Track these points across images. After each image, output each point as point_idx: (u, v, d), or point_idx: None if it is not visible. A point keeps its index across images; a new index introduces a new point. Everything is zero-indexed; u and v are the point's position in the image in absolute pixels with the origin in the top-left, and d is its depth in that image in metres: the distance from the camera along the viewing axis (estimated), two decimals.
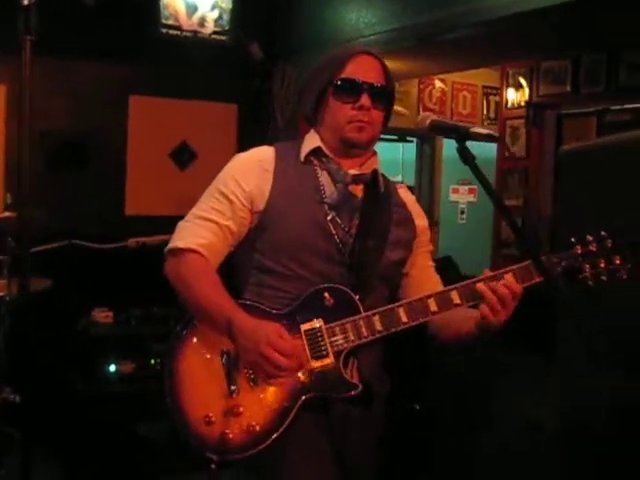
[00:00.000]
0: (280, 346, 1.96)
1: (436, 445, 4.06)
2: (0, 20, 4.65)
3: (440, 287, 2.26)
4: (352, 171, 2.23)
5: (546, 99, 6.65)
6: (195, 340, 2.14)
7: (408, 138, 8.83)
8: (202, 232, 2.16)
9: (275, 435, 2.03)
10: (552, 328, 2.99)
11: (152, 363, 4.74)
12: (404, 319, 2.08)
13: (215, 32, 5.28)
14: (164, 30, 5.16)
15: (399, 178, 9.17)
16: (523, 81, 6.82)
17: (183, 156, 5.40)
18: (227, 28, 5.31)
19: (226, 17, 5.30)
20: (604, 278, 2.10)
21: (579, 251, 2.11)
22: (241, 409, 2.04)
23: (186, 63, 5.23)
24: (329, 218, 2.15)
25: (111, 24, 4.94)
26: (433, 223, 8.46)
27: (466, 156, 2.07)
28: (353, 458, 2.18)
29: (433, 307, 2.08)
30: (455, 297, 2.09)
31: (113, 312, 4.87)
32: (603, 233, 2.11)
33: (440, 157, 8.57)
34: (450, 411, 4.07)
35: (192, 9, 5.21)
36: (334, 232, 2.15)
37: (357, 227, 2.19)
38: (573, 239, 2.12)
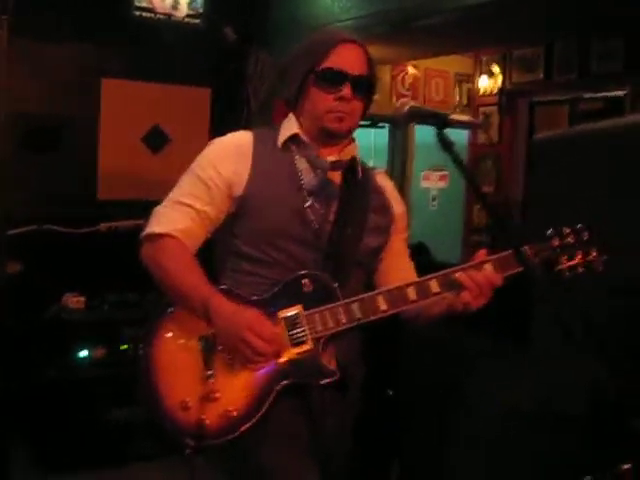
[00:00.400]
0: (260, 331, 1.98)
1: (408, 431, 4.08)
2: None
3: (413, 274, 2.31)
4: (330, 158, 2.22)
5: (519, 86, 6.69)
6: (172, 325, 2.13)
7: (380, 124, 8.82)
8: (179, 217, 2.15)
9: (252, 421, 2.03)
10: (526, 313, 3.01)
11: (124, 348, 4.70)
12: (383, 307, 2.10)
13: (188, 15, 5.24)
14: (137, 13, 5.11)
15: (371, 164, 9.16)
16: (496, 68, 6.85)
17: (156, 140, 5.35)
18: (201, 11, 5.26)
19: (200, 0, 5.25)
20: (581, 270, 2.12)
21: (556, 243, 2.12)
22: (218, 394, 2.03)
23: (159, 46, 5.17)
24: (307, 205, 2.15)
25: (84, 6, 4.88)
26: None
27: (445, 143, 2.08)
28: (329, 444, 2.17)
29: (412, 296, 2.10)
30: (434, 286, 2.11)
31: (85, 297, 4.82)
32: (580, 225, 2.12)
33: (412, 143, 8.57)
34: (423, 397, 4.09)
35: None
36: (312, 219, 2.15)
37: (335, 214, 2.19)
38: (550, 231, 2.13)
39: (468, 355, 3.84)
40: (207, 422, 2.02)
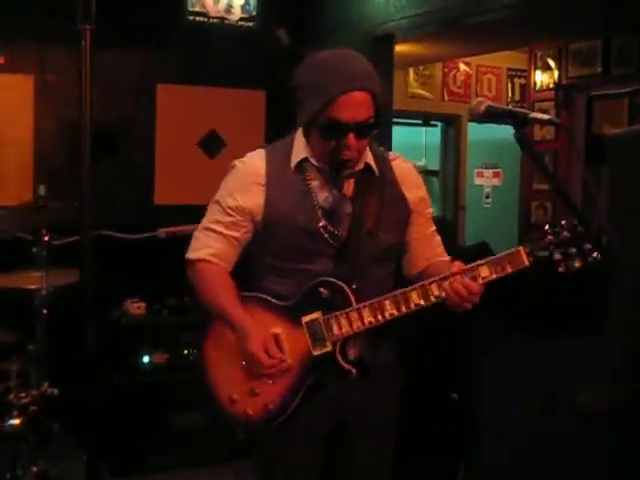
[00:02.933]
0: (260, 359, 2.24)
1: (474, 434, 4.03)
2: (28, 10, 4.74)
3: (440, 248, 2.52)
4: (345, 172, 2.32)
5: (576, 81, 6.57)
6: (217, 332, 2.38)
7: (432, 122, 8.77)
8: (210, 242, 2.38)
9: (286, 414, 2.31)
10: (600, 312, 2.95)
11: (185, 353, 4.71)
12: (390, 311, 2.26)
13: (242, 19, 5.24)
14: (191, 17, 5.14)
15: (422, 163, 9.11)
16: (552, 63, 6.74)
17: (212, 144, 5.35)
18: (254, 14, 5.26)
19: (253, 3, 5.26)
20: (577, 265, 2.12)
21: (551, 239, 2.14)
22: (258, 390, 2.32)
23: (213, 50, 5.19)
24: (321, 224, 2.30)
25: (138, 12, 4.90)
26: (460, 208, 8.41)
27: (524, 143, 2.03)
28: (356, 439, 2.45)
29: (415, 299, 2.24)
30: (434, 289, 2.23)
31: (146, 303, 4.84)
32: (575, 220, 2.11)
33: (465, 141, 8.50)
34: (488, 400, 4.03)
35: None
36: (326, 235, 2.30)
37: (349, 222, 2.33)
38: (546, 228, 2.15)
39: (534, 356, 3.78)
40: (251, 414, 2.32)
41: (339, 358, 2.30)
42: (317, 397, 2.32)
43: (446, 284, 2.19)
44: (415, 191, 2.45)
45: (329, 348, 2.28)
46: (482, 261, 2.18)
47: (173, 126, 5.23)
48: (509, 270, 2.16)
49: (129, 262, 4.90)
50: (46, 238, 3.86)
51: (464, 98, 8.20)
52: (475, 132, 8.32)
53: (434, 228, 2.53)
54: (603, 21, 5.18)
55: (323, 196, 2.33)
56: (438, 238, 2.54)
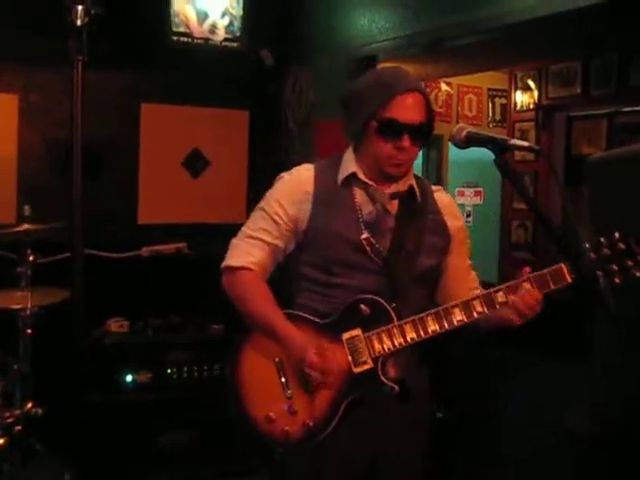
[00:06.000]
0: (316, 365, 2.23)
1: (458, 452, 4.05)
2: (13, 31, 4.75)
3: (476, 283, 2.54)
4: (388, 190, 2.39)
5: (555, 101, 6.64)
6: (251, 348, 2.38)
7: None
8: (252, 250, 2.40)
9: (327, 431, 2.29)
10: (586, 335, 2.99)
11: (169, 372, 4.72)
12: (433, 327, 2.27)
13: (226, 39, 5.25)
14: (175, 38, 5.13)
15: (436, 185, 9.13)
16: (532, 84, 6.81)
17: (196, 164, 5.38)
18: (238, 35, 5.28)
19: (237, 24, 5.27)
20: (618, 280, 2.14)
21: (593, 257, 2.15)
22: (296, 409, 2.31)
23: (197, 70, 5.21)
24: (363, 237, 2.33)
25: (122, 32, 4.91)
26: None
27: (504, 169, 2.07)
28: (393, 451, 2.41)
29: (458, 316, 2.25)
30: (477, 306, 2.25)
31: (129, 322, 4.84)
32: (617, 236, 2.14)
33: (446, 160, 8.55)
34: (472, 418, 4.06)
35: (203, 16, 5.18)
36: (368, 249, 2.33)
37: (391, 240, 2.36)
38: (587, 246, 2.15)
39: (520, 374, 3.81)
40: (289, 432, 2.30)
41: (381, 375, 2.28)
42: (356, 418, 2.30)
43: (507, 295, 2.20)
44: (456, 221, 2.52)
45: (370, 365, 2.27)
46: (524, 277, 2.21)
47: (157, 145, 5.26)
48: (552, 286, 2.19)
49: (112, 281, 4.89)
50: (31, 257, 3.87)
51: (445, 118, 8.25)
52: (456, 151, 8.26)
53: (470, 262, 2.57)
54: (582, 43, 5.24)
55: (367, 210, 2.37)
56: (474, 273, 2.57)
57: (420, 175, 2.52)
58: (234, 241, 2.46)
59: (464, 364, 4.10)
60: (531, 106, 6.90)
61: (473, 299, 2.25)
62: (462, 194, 9.13)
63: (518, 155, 6.72)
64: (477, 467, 3.96)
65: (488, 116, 8.53)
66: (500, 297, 2.22)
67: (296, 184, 2.42)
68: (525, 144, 2.07)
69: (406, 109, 2.27)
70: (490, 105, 8.50)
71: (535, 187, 6.77)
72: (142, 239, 5.10)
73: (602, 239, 2.15)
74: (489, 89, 8.48)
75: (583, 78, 6.30)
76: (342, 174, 2.40)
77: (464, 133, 2.16)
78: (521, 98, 7.01)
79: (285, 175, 2.47)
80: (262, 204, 2.45)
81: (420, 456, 2.53)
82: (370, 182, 2.38)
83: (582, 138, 6.60)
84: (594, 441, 2.95)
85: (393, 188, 2.39)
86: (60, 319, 3.39)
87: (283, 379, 2.31)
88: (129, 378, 4.64)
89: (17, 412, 3.73)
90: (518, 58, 5.79)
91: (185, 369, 4.76)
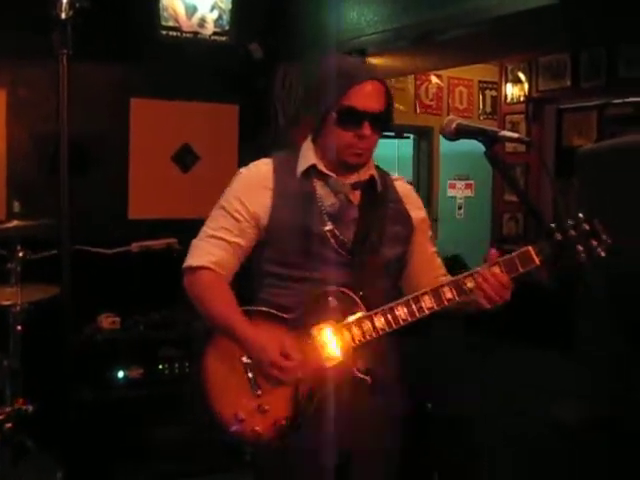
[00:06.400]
0: (281, 365, 2.17)
1: (447, 444, 4.06)
2: (2, 25, 4.72)
3: (442, 270, 2.49)
4: (349, 180, 2.36)
5: (546, 94, 6.65)
6: (217, 347, 2.32)
7: (404, 134, 8.82)
8: (213, 250, 2.34)
9: (299, 429, 2.24)
10: (570, 324, 3.00)
11: (160, 368, 4.71)
12: (403, 316, 2.23)
13: (215, 33, 5.24)
14: (164, 32, 5.11)
15: (395, 174, 9.14)
16: (522, 76, 6.83)
17: (185, 159, 5.36)
18: (227, 29, 5.26)
19: (226, 17, 5.26)
20: (582, 259, 2.13)
21: (559, 238, 2.14)
22: (267, 407, 2.25)
23: (187, 65, 5.18)
24: (327, 228, 2.30)
25: (111, 26, 4.89)
26: (432, 219, 8.45)
27: (494, 160, 2.07)
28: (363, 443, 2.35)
29: (428, 303, 2.21)
30: (447, 292, 2.21)
31: (120, 317, 4.83)
32: (580, 216, 2.13)
33: (437, 152, 8.57)
34: (461, 410, 4.06)
35: (192, 10, 5.17)
36: (332, 240, 2.30)
37: (354, 230, 2.33)
38: (553, 226, 2.15)
39: (508, 365, 3.82)
40: (260, 431, 2.24)
41: (352, 367, 2.25)
42: (328, 414, 2.25)
43: (475, 281, 2.17)
44: (418, 211, 2.49)
45: (340, 358, 2.24)
46: (495, 260, 2.18)
47: (147, 140, 5.23)
48: (520, 269, 2.16)
49: (102, 277, 4.88)
50: (21, 254, 3.85)
51: (436, 110, 8.26)
52: (447, 144, 8.30)
53: (435, 249, 2.53)
54: (572, 35, 5.24)
55: (329, 202, 2.34)
56: (440, 260, 2.53)
57: (378, 165, 2.49)
58: (195, 241, 2.41)
59: (449, 358, 4.11)
60: (521, 98, 6.92)
61: (442, 286, 2.21)
62: (453, 186, 9.15)
63: (509, 147, 6.73)
64: (458, 458, 3.97)
65: (479, 108, 8.55)
66: (469, 282, 2.19)
67: (255, 179, 2.38)
68: (515, 136, 2.06)
69: (365, 97, 2.24)
70: (481, 97, 8.52)
71: (526, 179, 6.80)
72: (132, 234, 5.08)
73: (568, 220, 2.14)
74: (480, 81, 8.50)
75: (573, 70, 6.31)
76: (301, 166, 2.36)
77: (454, 125, 2.15)
78: (511, 90, 7.02)
79: (243, 171, 2.43)
80: (222, 202, 2.39)
81: (396, 452, 2.49)
82: (330, 173, 2.35)
83: (572, 130, 6.62)
84: (580, 431, 2.96)
85: (354, 178, 2.37)
86: (50, 315, 3.40)
87: (251, 377, 2.25)
88: (120, 374, 4.63)
89: (7, 409, 3.73)
90: (507, 50, 5.78)
91: (176, 365, 4.75)
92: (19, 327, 3.84)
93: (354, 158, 2.30)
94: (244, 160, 5.86)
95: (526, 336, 3.62)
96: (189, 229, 5.41)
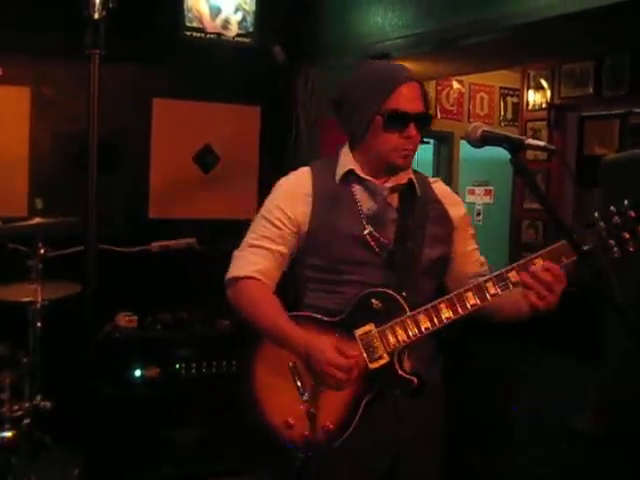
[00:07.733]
0: (339, 363, 2.17)
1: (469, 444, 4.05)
2: (25, 24, 4.75)
3: (484, 267, 2.49)
4: (388, 184, 2.40)
5: (568, 101, 6.63)
6: (264, 354, 2.36)
7: (424, 139, 8.79)
8: (256, 259, 2.38)
9: (348, 431, 2.25)
10: (597, 333, 2.98)
11: (177, 367, 4.72)
12: (446, 314, 2.23)
13: (239, 34, 5.26)
14: (188, 33, 5.14)
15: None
16: (544, 83, 6.80)
17: (207, 159, 5.37)
18: (251, 31, 5.29)
19: (250, 19, 5.28)
20: (631, 249, 2.10)
21: (603, 226, 2.11)
22: (314, 412, 2.25)
23: (210, 66, 5.21)
24: (366, 232, 2.33)
25: (134, 26, 4.91)
26: None
27: (519, 167, 2.06)
28: (409, 447, 2.36)
29: (471, 300, 2.22)
30: (490, 288, 2.20)
31: (137, 316, 4.84)
32: (626, 204, 2.10)
33: (457, 158, 8.55)
34: (484, 410, 4.06)
35: (216, 11, 5.20)
36: (372, 243, 2.33)
37: (395, 232, 2.35)
38: (596, 214, 2.12)
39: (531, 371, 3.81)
40: (309, 436, 2.24)
41: (398, 369, 2.26)
42: (376, 417, 2.27)
43: (521, 274, 2.14)
44: (457, 209, 2.51)
45: (386, 359, 2.25)
46: (537, 254, 2.16)
47: (168, 141, 5.26)
48: (564, 261, 2.13)
49: (121, 275, 4.88)
50: (42, 251, 3.87)
51: (457, 116, 8.25)
52: (467, 150, 8.27)
53: (477, 246, 2.54)
54: (595, 43, 5.23)
55: (368, 205, 2.37)
56: (482, 257, 2.53)
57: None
58: (236, 253, 2.44)
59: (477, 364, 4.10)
60: (543, 105, 6.90)
61: (485, 281, 2.21)
62: (472, 193, 9.12)
63: (530, 154, 6.71)
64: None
65: (500, 115, 8.53)
66: (512, 276, 2.17)
67: (294, 187, 2.42)
68: (541, 144, 2.05)
69: (408, 99, 2.29)
70: (502, 104, 8.50)
71: (547, 187, 6.76)
72: (152, 234, 5.09)
73: (612, 207, 2.10)
74: (501, 88, 8.48)
75: (595, 78, 6.28)
76: (339, 171, 2.40)
77: (479, 132, 2.14)
78: (533, 97, 7.00)
79: (283, 180, 2.47)
80: (262, 212, 2.44)
81: (438, 455, 2.50)
82: (368, 177, 2.38)
83: (594, 138, 6.58)
84: (600, 442, 2.94)
85: (392, 182, 2.39)
86: (70, 313, 3.42)
87: (299, 383, 2.28)
88: (138, 373, 4.64)
89: (26, 405, 3.74)
90: (530, 57, 5.77)
91: (193, 365, 4.76)
92: (39, 324, 3.85)
93: (402, 160, 2.33)
94: (265, 162, 5.91)
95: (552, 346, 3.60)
96: (209, 229, 5.45)
